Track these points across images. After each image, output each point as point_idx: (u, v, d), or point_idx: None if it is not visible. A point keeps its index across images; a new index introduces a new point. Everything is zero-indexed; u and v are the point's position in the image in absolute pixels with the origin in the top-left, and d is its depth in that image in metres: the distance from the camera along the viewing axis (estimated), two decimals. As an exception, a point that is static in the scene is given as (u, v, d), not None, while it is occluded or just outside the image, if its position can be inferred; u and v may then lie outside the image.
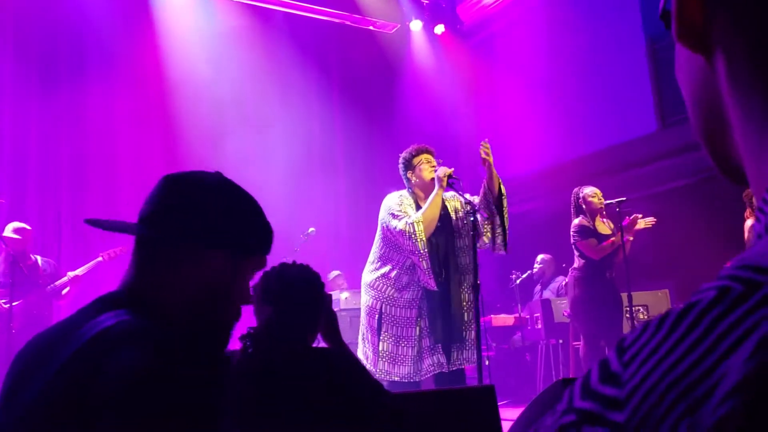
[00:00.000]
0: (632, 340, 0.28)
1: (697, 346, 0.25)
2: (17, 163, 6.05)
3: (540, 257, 6.68)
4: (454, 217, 3.77)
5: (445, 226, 3.72)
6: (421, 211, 3.62)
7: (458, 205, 3.79)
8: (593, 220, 4.69)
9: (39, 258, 5.00)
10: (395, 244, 3.63)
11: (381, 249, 3.74)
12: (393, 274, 3.62)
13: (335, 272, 6.78)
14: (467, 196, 3.68)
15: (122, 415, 0.79)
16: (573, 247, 4.73)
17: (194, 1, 6.94)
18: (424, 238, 3.52)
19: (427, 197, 3.71)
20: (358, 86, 8.00)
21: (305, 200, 7.34)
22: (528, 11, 7.75)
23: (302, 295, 1.68)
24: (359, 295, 5.95)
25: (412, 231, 3.52)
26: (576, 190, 4.83)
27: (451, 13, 8.49)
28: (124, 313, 0.93)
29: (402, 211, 3.63)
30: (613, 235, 4.63)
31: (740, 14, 0.33)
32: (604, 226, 4.74)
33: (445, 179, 3.58)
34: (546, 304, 5.99)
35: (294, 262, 1.78)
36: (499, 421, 1.80)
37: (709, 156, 0.40)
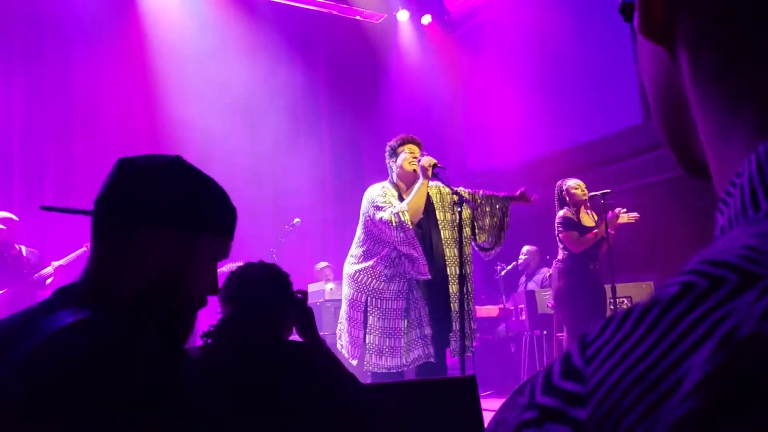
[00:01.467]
0: (595, 335, 0.27)
1: (660, 342, 0.25)
2: (0, 153, 5.98)
3: (525, 249, 6.71)
4: (438, 208, 3.76)
5: (429, 216, 3.71)
6: (406, 200, 3.59)
7: (443, 196, 3.78)
8: (578, 212, 4.71)
9: (23, 248, 4.96)
10: (379, 236, 3.59)
11: (364, 242, 3.69)
12: (378, 267, 3.59)
13: (323, 263, 6.77)
14: (461, 190, 3.66)
15: (61, 408, 0.78)
16: (556, 238, 4.75)
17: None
18: (411, 227, 3.50)
19: (407, 187, 3.69)
20: (345, 76, 7.97)
21: (291, 191, 7.32)
22: (515, 3, 7.74)
23: (262, 294, 1.70)
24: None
25: (398, 221, 3.49)
26: (559, 182, 4.84)
27: (438, 4, 8.48)
28: (79, 310, 0.91)
29: (386, 201, 3.60)
30: (596, 227, 4.65)
31: (703, 8, 0.33)
32: (588, 218, 4.77)
33: (430, 169, 3.55)
34: (530, 295, 6.02)
35: (260, 261, 1.81)
36: (480, 411, 1.80)
37: (672, 152, 0.40)
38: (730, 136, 0.33)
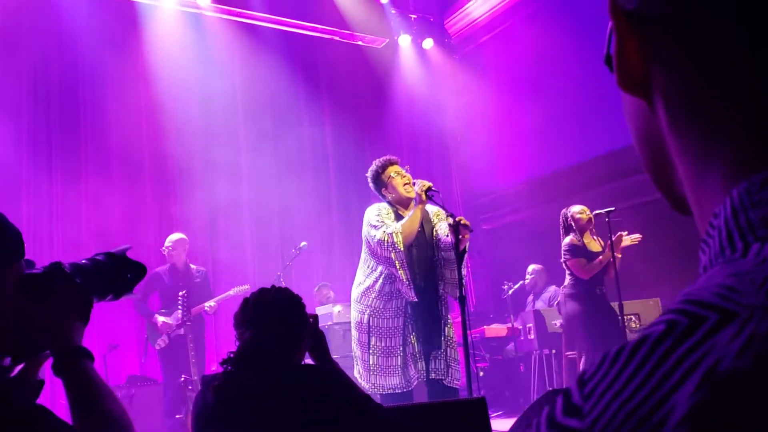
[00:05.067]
0: (591, 373, 0.29)
1: (649, 379, 0.27)
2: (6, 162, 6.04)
3: (531, 268, 6.71)
4: (434, 230, 3.79)
5: (426, 238, 3.74)
6: (401, 222, 3.62)
7: (439, 218, 3.81)
8: (583, 238, 4.74)
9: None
10: (376, 254, 3.64)
11: (365, 261, 3.75)
12: (377, 285, 3.63)
13: (321, 284, 6.78)
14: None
15: None
16: (564, 265, 4.78)
17: (184, 16, 6.98)
18: (402, 249, 3.52)
19: (406, 208, 3.73)
20: (348, 101, 8.04)
21: (297, 215, 7.36)
22: (515, 24, 7.84)
23: (279, 318, 1.73)
24: (350, 307, 5.96)
25: (390, 241, 3.52)
26: (564, 210, 4.87)
27: (439, 28, 8.58)
28: None
29: (381, 221, 3.64)
30: (602, 252, 4.68)
31: (674, 64, 0.36)
32: (595, 244, 4.80)
33: (423, 194, 3.57)
34: (538, 314, 6.01)
35: (273, 286, 1.84)
36: (490, 432, 1.81)
37: (659, 191, 0.43)
38: (705, 181, 0.36)
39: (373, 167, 3.83)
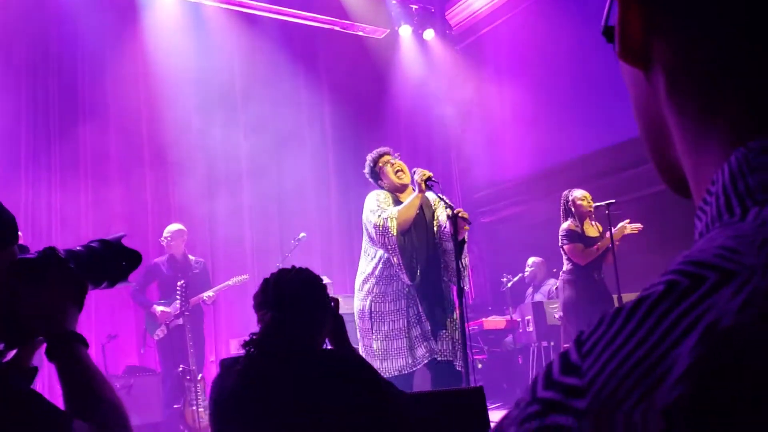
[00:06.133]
0: (589, 333, 0.30)
1: (649, 336, 0.27)
2: (8, 163, 6.02)
3: (531, 260, 6.71)
4: (435, 215, 3.82)
5: (427, 225, 3.77)
6: (397, 208, 3.66)
7: (438, 208, 3.84)
8: (582, 224, 4.73)
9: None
10: (373, 239, 3.68)
11: (365, 250, 3.80)
12: (377, 270, 3.68)
13: (325, 279, 6.78)
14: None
15: None
16: (561, 250, 4.76)
17: (183, 6, 6.93)
18: (395, 233, 3.57)
19: (404, 196, 3.77)
20: (348, 92, 8.01)
21: (296, 205, 7.34)
22: (517, 15, 7.80)
23: (300, 298, 1.71)
24: (350, 299, 5.97)
25: (386, 226, 3.58)
26: (565, 193, 4.86)
27: (440, 19, 8.53)
28: None
29: (379, 206, 3.70)
30: (600, 238, 4.67)
31: (678, 37, 0.36)
32: (593, 229, 4.78)
33: (423, 183, 3.60)
34: (537, 306, 6.01)
35: (293, 267, 1.81)
36: (488, 423, 1.81)
37: (656, 168, 0.44)
38: (704, 149, 0.37)
39: (367, 160, 3.94)
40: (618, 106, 6.64)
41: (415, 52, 8.34)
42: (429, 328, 3.61)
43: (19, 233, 1.12)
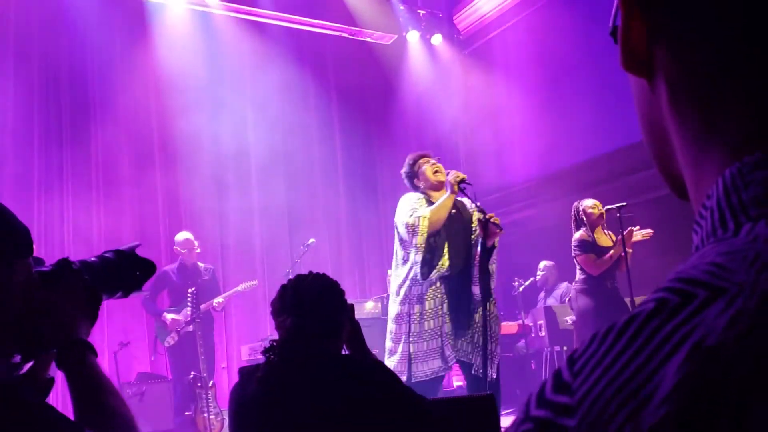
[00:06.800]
0: (581, 351, 0.30)
1: (638, 354, 0.27)
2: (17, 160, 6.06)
3: (542, 264, 6.66)
4: (471, 222, 3.82)
5: (464, 222, 3.78)
6: (429, 208, 3.67)
7: (472, 212, 3.84)
8: (593, 233, 4.69)
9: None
10: (405, 240, 3.69)
11: (397, 253, 3.80)
12: (411, 273, 3.67)
13: None
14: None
15: None
16: (574, 260, 4.74)
17: (192, 15, 6.98)
18: (425, 234, 3.57)
19: (438, 196, 3.77)
20: (357, 97, 8.03)
21: (305, 211, 7.35)
22: (524, 19, 7.78)
23: (320, 303, 1.73)
24: (361, 304, 5.97)
25: (417, 224, 3.59)
26: (576, 203, 4.82)
27: (447, 23, 8.53)
28: None
29: (414, 207, 3.71)
30: (613, 247, 4.63)
31: (678, 44, 0.37)
32: (605, 238, 4.74)
33: (456, 185, 3.62)
34: (549, 311, 5.96)
35: (310, 272, 1.83)
36: (500, 430, 1.79)
37: (661, 175, 0.44)
38: (703, 163, 0.37)
39: (407, 160, 3.94)
40: (627, 108, 6.60)
41: (423, 57, 8.34)
42: (454, 328, 3.63)
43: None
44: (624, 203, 4.63)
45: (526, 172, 7.72)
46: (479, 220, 3.58)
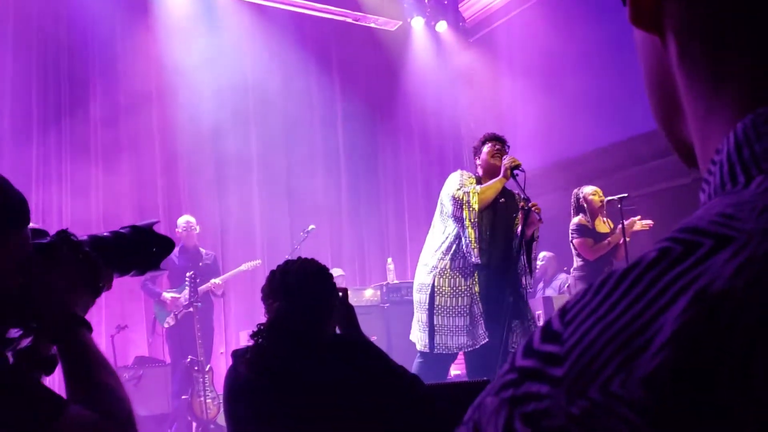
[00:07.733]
0: (574, 301, 0.28)
1: (636, 302, 0.26)
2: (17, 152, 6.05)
3: (542, 255, 6.65)
4: (516, 212, 3.84)
5: (508, 210, 3.80)
6: (480, 186, 3.69)
7: (519, 203, 3.85)
8: (593, 220, 4.69)
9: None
10: (450, 213, 3.70)
11: (436, 226, 3.83)
12: (444, 245, 3.71)
13: (338, 272, 6.77)
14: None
15: None
16: (570, 245, 4.73)
17: (195, -1, 6.93)
18: (476, 209, 3.58)
19: (490, 179, 3.79)
20: (360, 83, 7.99)
21: (306, 197, 7.34)
22: (530, 8, 7.72)
23: (307, 287, 1.73)
24: (360, 291, 5.97)
25: (466, 199, 3.60)
26: (576, 190, 4.82)
27: (453, 11, 8.46)
28: None
29: (463, 183, 3.74)
30: (611, 233, 4.62)
31: None
32: (604, 226, 4.74)
33: (509, 170, 3.63)
34: (548, 301, 5.96)
35: (299, 258, 1.83)
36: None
37: (666, 138, 0.42)
38: (713, 118, 0.35)
39: (480, 138, 3.98)
40: (632, 99, 6.57)
41: (427, 44, 8.28)
42: (480, 311, 3.64)
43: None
44: (625, 194, 4.62)
45: (529, 162, 7.66)
46: (522, 208, 3.61)
